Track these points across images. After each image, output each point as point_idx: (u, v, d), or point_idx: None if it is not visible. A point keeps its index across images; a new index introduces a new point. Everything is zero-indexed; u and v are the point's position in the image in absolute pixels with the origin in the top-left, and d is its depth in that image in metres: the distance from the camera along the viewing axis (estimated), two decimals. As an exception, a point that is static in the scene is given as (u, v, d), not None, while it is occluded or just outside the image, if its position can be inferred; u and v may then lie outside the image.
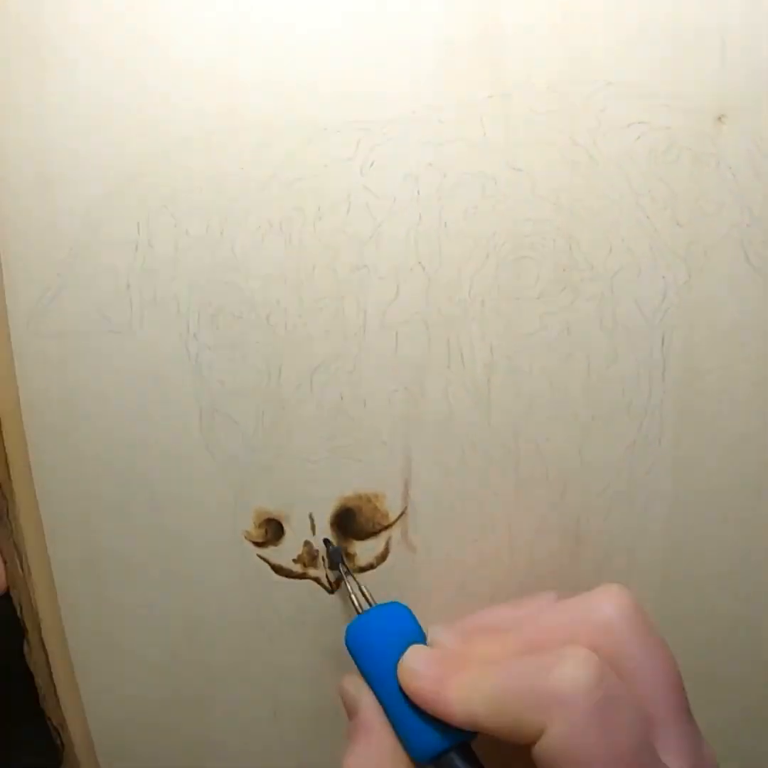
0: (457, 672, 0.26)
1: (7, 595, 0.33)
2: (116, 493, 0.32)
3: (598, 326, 0.30)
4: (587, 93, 0.29)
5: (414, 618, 0.29)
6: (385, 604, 0.30)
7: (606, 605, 0.26)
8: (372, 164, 0.29)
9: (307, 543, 0.31)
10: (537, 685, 0.24)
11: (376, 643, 0.28)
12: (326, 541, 0.31)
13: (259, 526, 0.32)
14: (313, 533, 0.31)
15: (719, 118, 0.30)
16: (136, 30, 0.29)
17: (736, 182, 0.30)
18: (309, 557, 0.32)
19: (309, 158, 0.29)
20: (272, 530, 0.31)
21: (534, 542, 0.32)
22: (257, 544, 0.32)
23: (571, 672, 0.23)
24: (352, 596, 0.30)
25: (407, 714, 0.27)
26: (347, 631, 0.29)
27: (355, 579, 0.31)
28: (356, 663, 0.29)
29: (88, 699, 0.34)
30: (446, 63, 0.29)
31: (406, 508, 0.31)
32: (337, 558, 0.31)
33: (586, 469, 0.31)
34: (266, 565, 0.32)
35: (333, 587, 0.32)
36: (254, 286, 0.30)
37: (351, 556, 0.31)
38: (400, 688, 0.27)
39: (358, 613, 0.30)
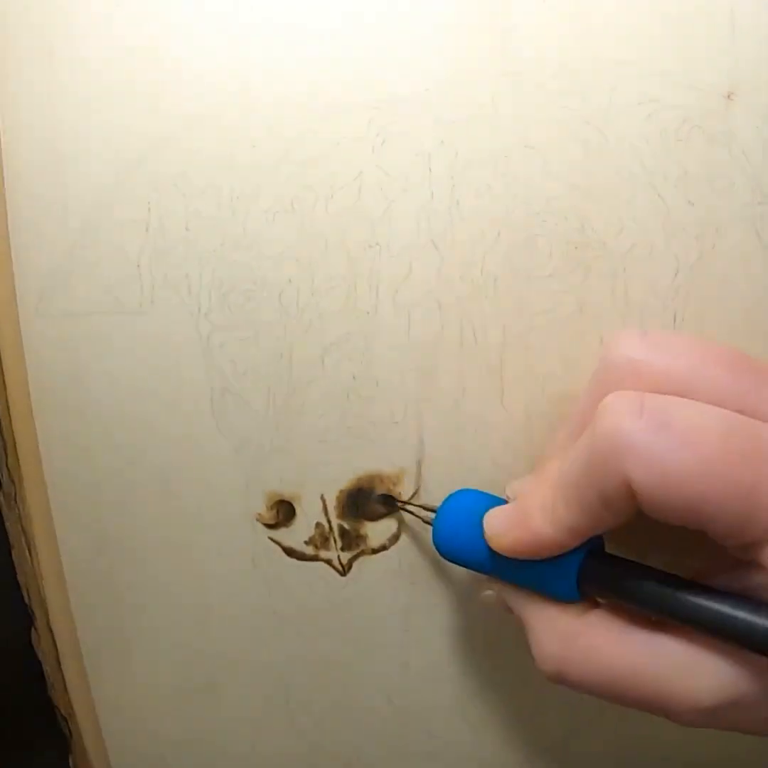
0: (533, 502, 0.25)
1: (15, 582, 0.33)
2: (126, 476, 0.31)
3: (610, 305, 0.30)
4: (598, 71, 0.29)
5: (479, 492, 0.29)
6: (448, 497, 0.29)
7: (614, 350, 0.25)
8: (384, 143, 0.29)
9: (318, 524, 0.31)
10: (592, 454, 0.23)
11: (464, 538, 0.27)
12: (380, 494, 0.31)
13: (271, 507, 0.31)
14: (325, 515, 0.31)
15: (729, 96, 0.30)
16: (147, 10, 0.29)
17: (748, 161, 0.30)
18: (321, 539, 0.31)
19: (321, 137, 0.29)
20: (284, 512, 0.31)
21: (547, 523, 0.31)
22: (269, 526, 0.31)
23: (607, 419, 0.23)
24: (417, 515, 0.30)
25: (529, 571, 0.26)
26: (436, 545, 0.28)
27: (406, 502, 0.30)
28: (457, 563, 0.28)
29: (97, 687, 0.34)
30: (458, 41, 0.29)
31: (418, 488, 0.31)
32: (390, 501, 0.31)
33: (599, 449, 0.31)
34: (278, 547, 0.32)
35: (345, 569, 0.32)
36: (266, 266, 0.30)
37: (363, 537, 0.31)
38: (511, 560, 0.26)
39: (429, 523, 0.29)
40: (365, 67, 0.29)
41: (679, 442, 0.22)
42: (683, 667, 0.24)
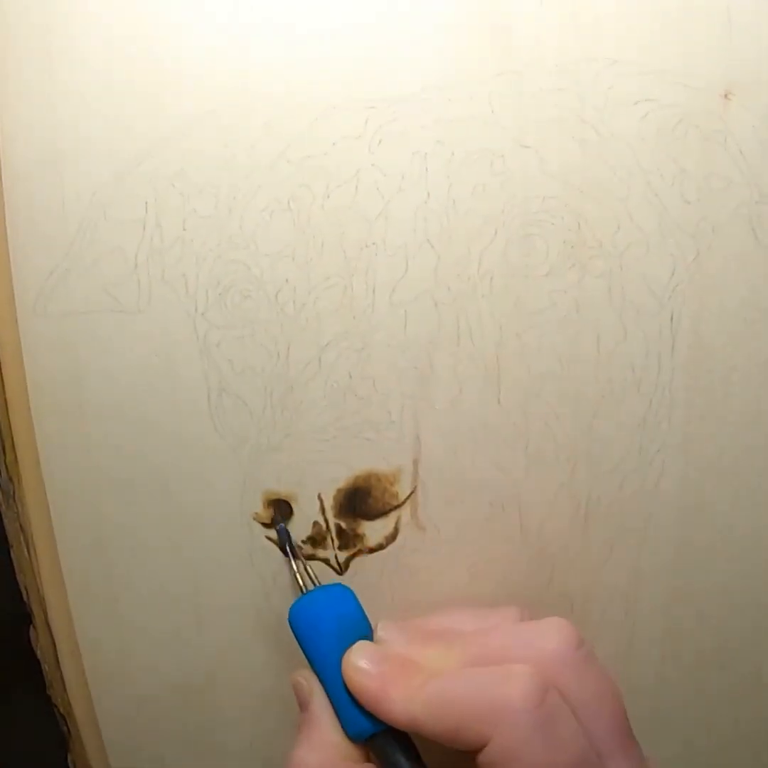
0: (402, 674, 0.27)
1: (13, 579, 0.33)
2: (124, 474, 0.32)
3: (607, 304, 0.30)
4: (595, 71, 0.29)
5: (357, 602, 0.29)
6: (330, 585, 0.30)
7: (549, 640, 0.27)
8: (380, 142, 0.29)
9: (315, 524, 0.31)
10: (484, 696, 0.25)
11: (320, 625, 0.29)
12: (273, 521, 0.31)
13: (268, 506, 0.31)
14: (323, 514, 0.31)
15: (726, 95, 0.30)
16: (145, 9, 0.29)
17: (744, 159, 0.30)
18: (318, 538, 0.31)
19: (317, 136, 0.29)
20: (281, 511, 0.31)
21: (544, 522, 0.31)
22: (266, 525, 0.31)
23: (519, 687, 0.25)
24: (298, 576, 0.30)
25: (345, 696, 0.27)
26: (291, 610, 0.29)
27: (301, 559, 0.31)
28: (298, 642, 0.29)
29: (95, 685, 0.34)
30: (455, 41, 0.29)
31: (415, 487, 0.31)
32: (284, 536, 0.31)
33: (596, 448, 0.31)
34: (275, 546, 0.32)
35: (342, 568, 0.32)
36: (263, 265, 0.30)
37: (360, 536, 0.31)
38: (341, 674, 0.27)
39: (302, 592, 0.30)
40: (362, 67, 0.29)
41: (547, 747, 0.24)
42: None
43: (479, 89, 0.29)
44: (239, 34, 0.29)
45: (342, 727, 0.28)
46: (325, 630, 0.28)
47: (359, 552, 0.31)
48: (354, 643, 0.28)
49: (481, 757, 0.25)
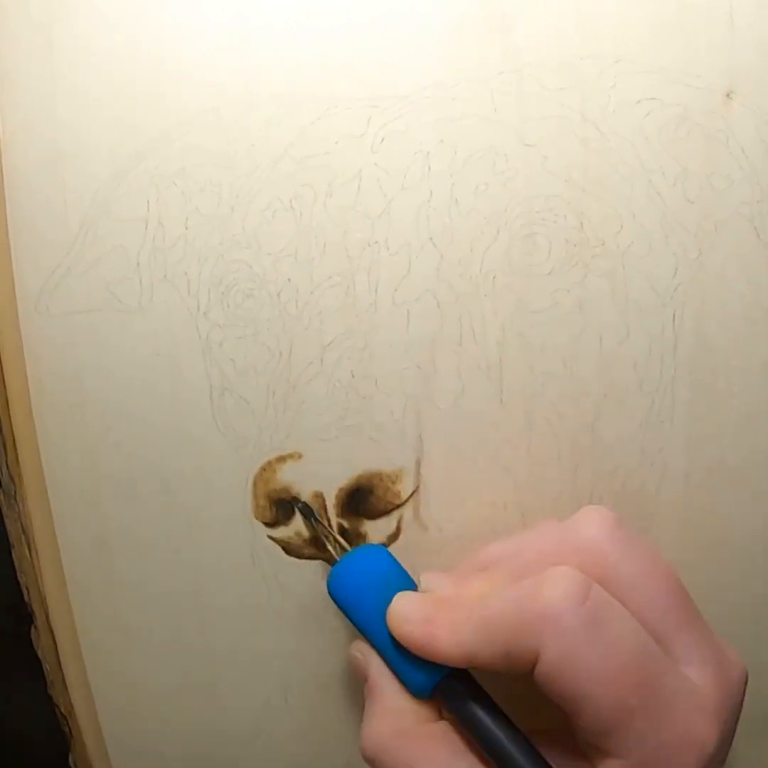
0: (448, 611, 0.26)
1: (14, 579, 0.33)
2: (126, 474, 0.31)
3: (609, 303, 0.30)
4: (597, 69, 0.29)
5: (394, 559, 0.29)
6: (362, 546, 0.29)
7: (586, 526, 0.26)
8: (383, 141, 0.29)
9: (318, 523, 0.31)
10: (524, 608, 0.24)
11: (358, 587, 0.28)
12: (294, 498, 0.31)
13: (270, 506, 0.31)
14: (325, 512, 0.31)
15: (728, 95, 0.30)
16: (147, 8, 0.29)
17: (747, 159, 0.30)
18: (320, 537, 0.31)
19: (320, 135, 0.29)
20: (283, 510, 0.31)
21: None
22: (268, 525, 0.31)
23: (556, 590, 0.23)
24: (329, 544, 0.30)
25: (399, 654, 0.27)
26: (329, 579, 0.29)
27: (329, 526, 0.31)
28: (341, 609, 0.28)
29: (97, 685, 0.34)
30: (457, 40, 0.29)
31: (418, 486, 0.31)
32: (307, 510, 0.31)
33: (599, 448, 0.31)
34: (277, 545, 0.32)
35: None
36: (265, 264, 0.30)
37: (362, 536, 0.31)
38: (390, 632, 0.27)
39: (336, 559, 0.29)
40: (364, 65, 0.29)
41: (599, 645, 0.23)
42: None
43: (482, 88, 0.29)
44: (241, 32, 0.29)
45: (405, 687, 0.27)
46: (366, 591, 0.28)
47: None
48: None
49: (536, 674, 0.23)
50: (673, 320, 0.31)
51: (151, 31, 0.29)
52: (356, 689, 0.32)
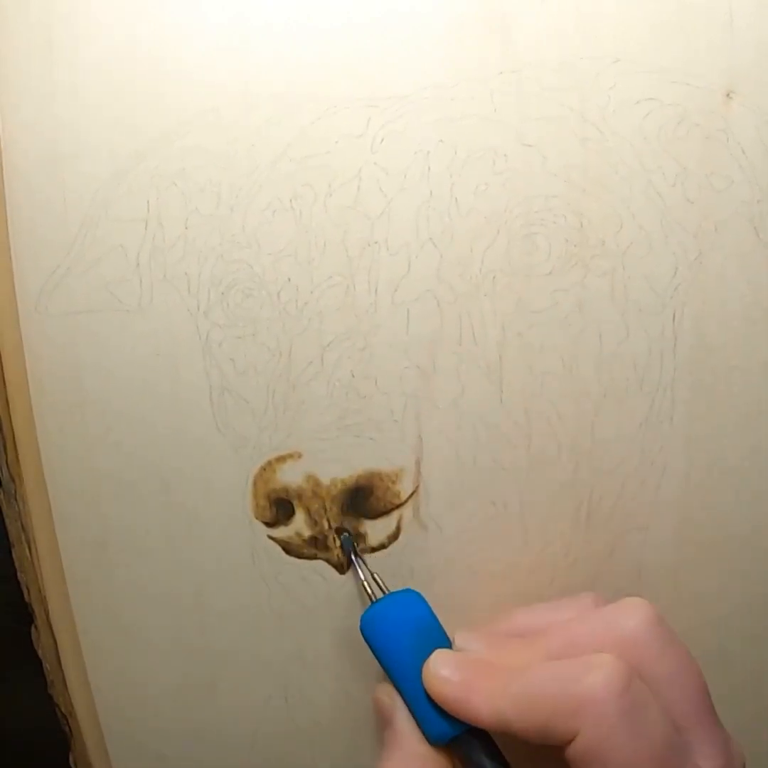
0: (486, 677, 0.27)
1: (14, 579, 0.33)
2: (125, 473, 0.31)
3: (609, 303, 0.30)
4: (597, 69, 0.29)
5: (428, 605, 0.29)
6: (400, 591, 0.30)
7: (630, 618, 0.27)
8: (382, 141, 0.29)
9: (317, 523, 0.31)
10: (568, 689, 0.25)
11: (393, 632, 0.28)
12: (338, 530, 0.31)
13: (270, 506, 0.31)
14: (325, 512, 0.31)
15: (728, 95, 0.30)
16: (147, 8, 0.29)
17: (746, 159, 0.30)
18: (320, 537, 0.31)
19: (320, 135, 0.29)
20: (283, 510, 0.31)
21: (546, 521, 0.31)
22: (268, 524, 0.31)
23: (602, 678, 0.24)
24: (365, 584, 0.30)
25: (424, 701, 0.27)
26: (363, 620, 0.29)
27: (366, 566, 0.31)
28: (372, 650, 0.29)
29: (97, 685, 0.34)
30: (457, 40, 0.29)
31: (417, 486, 0.31)
32: (349, 546, 0.31)
33: (599, 447, 0.31)
34: (277, 545, 0.32)
35: (344, 568, 0.32)
36: (265, 264, 0.30)
37: (362, 536, 0.31)
38: (419, 679, 0.27)
39: (371, 600, 0.30)
40: (364, 65, 0.29)
41: (633, 734, 0.24)
42: None
43: (481, 88, 0.29)
44: (241, 32, 0.29)
45: (423, 732, 0.28)
46: (400, 637, 0.28)
47: (361, 551, 0.31)
48: (430, 647, 0.28)
49: (570, 751, 0.24)
50: (673, 320, 0.31)
51: (150, 31, 0.29)
52: (356, 689, 0.33)
